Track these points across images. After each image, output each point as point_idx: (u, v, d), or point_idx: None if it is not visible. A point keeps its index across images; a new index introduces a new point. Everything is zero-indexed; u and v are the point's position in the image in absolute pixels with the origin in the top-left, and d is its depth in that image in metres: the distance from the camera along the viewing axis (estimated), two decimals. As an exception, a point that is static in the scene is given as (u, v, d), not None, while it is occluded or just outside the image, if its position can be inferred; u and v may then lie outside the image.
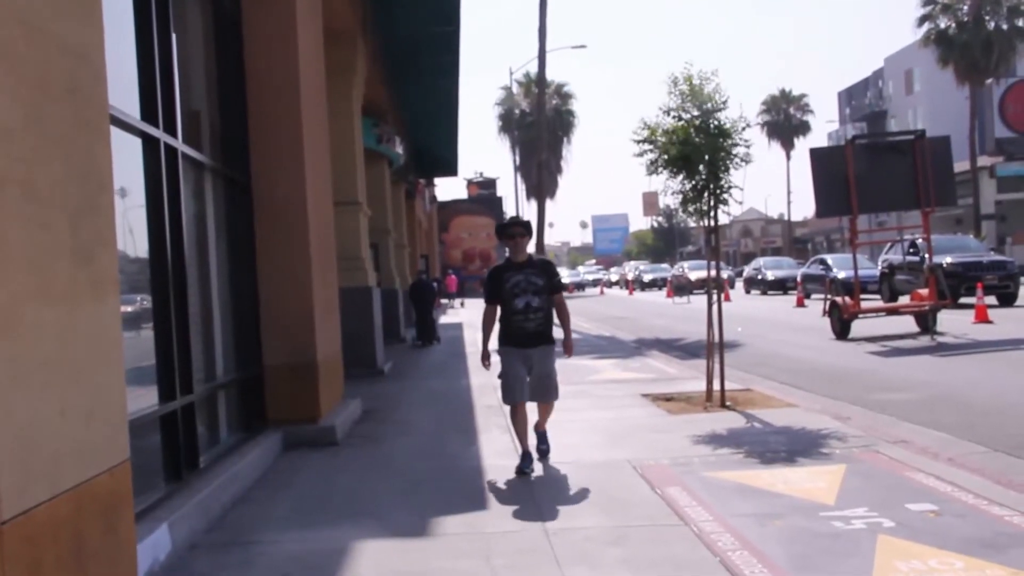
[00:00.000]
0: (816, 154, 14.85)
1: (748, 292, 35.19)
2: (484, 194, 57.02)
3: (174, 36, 5.88)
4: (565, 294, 7.13)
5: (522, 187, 47.56)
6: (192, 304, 6.01)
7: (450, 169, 31.50)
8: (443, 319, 27.00)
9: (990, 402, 8.23)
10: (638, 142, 8.20)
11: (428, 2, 13.11)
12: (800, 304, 24.60)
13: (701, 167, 8.05)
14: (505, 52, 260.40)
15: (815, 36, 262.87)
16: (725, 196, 8.27)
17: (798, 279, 27.75)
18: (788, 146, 69.69)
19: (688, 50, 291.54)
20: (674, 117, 8.13)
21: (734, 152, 8.04)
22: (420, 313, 18.69)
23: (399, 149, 19.01)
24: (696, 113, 8.07)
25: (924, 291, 14.62)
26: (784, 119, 69.52)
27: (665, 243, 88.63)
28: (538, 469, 6.21)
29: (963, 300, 18.28)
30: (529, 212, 52.85)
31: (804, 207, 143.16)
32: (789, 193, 72.62)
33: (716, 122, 8.00)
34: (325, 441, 7.55)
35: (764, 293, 33.73)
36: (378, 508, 5.42)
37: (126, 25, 5.27)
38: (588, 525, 4.80)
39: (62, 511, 3.16)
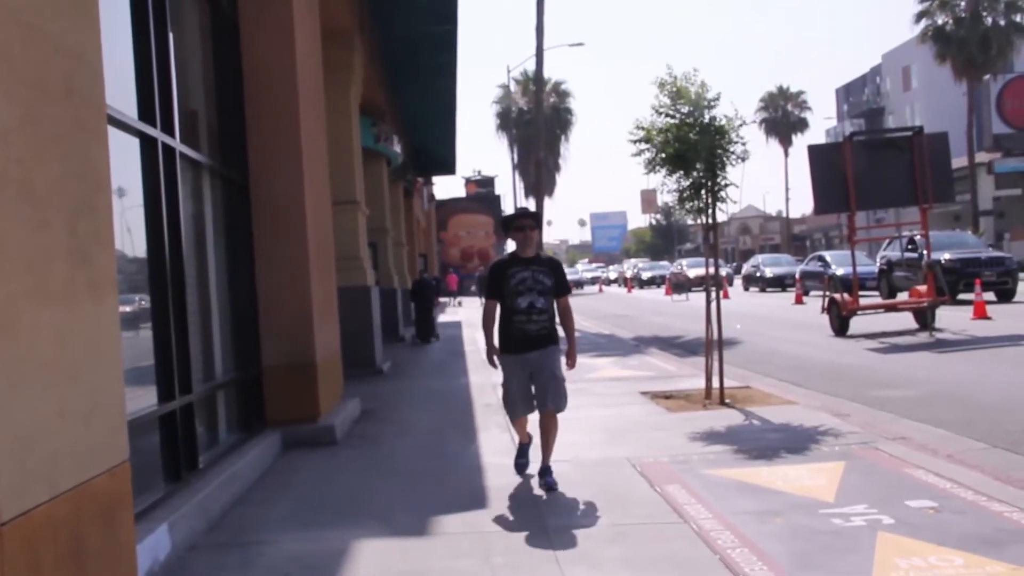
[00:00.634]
0: (814, 151, 14.86)
1: (747, 289, 35.21)
2: (482, 192, 56.99)
3: (171, 36, 5.88)
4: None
5: (520, 185, 47.64)
6: (191, 304, 6.00)
7: (448, 167, 31.53)
8: (442, 317, 26.99)
9: (989, 398, 8.22)
10: (634, 142, 8.25)
11: (426, 1, 13.11)
12: (799, 301, 24.59)
13: (698, 165, 8.08)
14: (503, 50, 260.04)
15: (813, 33, 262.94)
16: (722, 193, 8.31)
17: (797, 276, 27.71)
18: (786, 143, 69.86)
19: (686, 47, 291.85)
20: (667, 116, 8.15)
21: (731, 149, 8.08)
22: (420, 311, 18.95)
23: (397, 148, 19.03)
24: (688, 110, 8.09)
25: (922, 288, 14.65)
26: (782, 116, 69.65)
27: (664, 241, 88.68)
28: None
29: (961, 296, 18.32)
30: (528, 210, 52.71)
31: (802, 204, 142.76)
32: (787, 190, 73.02)
33: (711, 118, 8.02)
34: (324, 441, 7.55)
35: (763, 290, 33.74)
36: (378, 507, 5.42)
37: (123, 25, 5.26)
38: (587, 523, 4.80)
39: (61, 512, 3.16)
